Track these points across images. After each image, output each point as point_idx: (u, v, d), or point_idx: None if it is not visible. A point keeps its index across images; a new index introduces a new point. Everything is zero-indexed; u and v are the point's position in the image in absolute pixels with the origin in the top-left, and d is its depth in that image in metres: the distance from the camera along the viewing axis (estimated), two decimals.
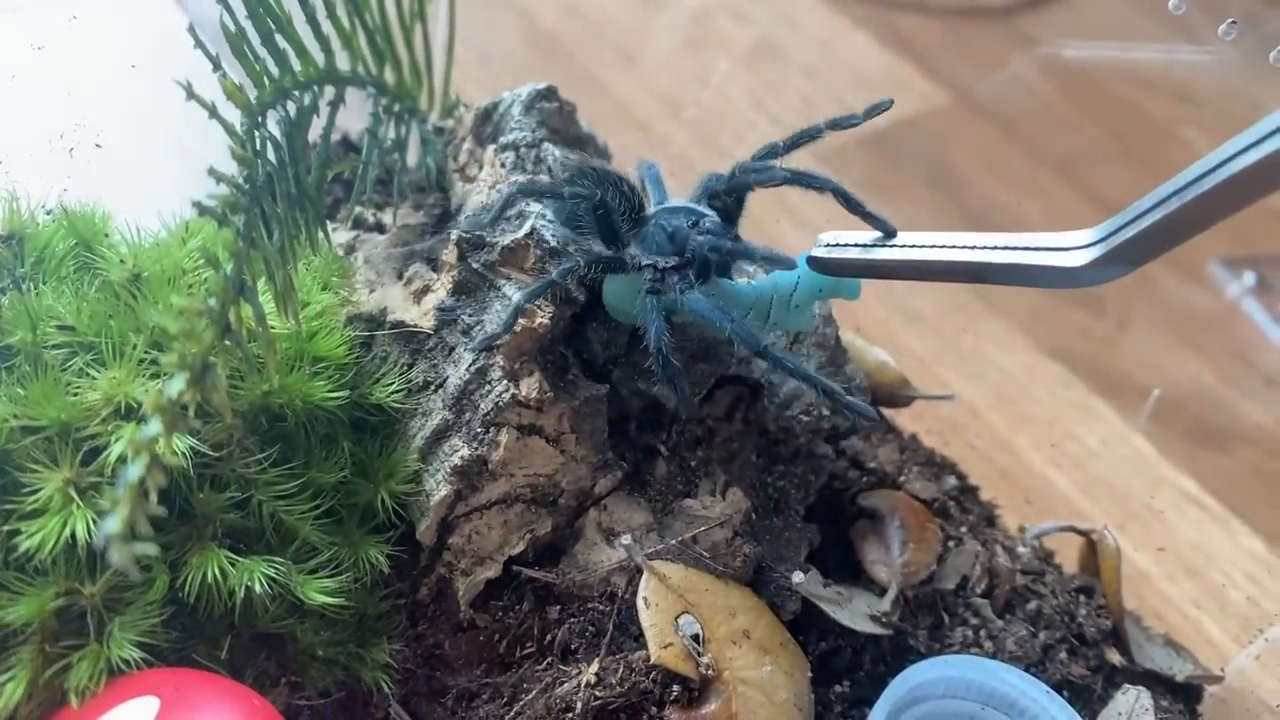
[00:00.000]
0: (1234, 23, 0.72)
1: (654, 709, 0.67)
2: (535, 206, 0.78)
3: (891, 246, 0.67)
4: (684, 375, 0.71)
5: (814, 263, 0.71)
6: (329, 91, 0.78)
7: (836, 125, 0.73)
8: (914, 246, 0.66)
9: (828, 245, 0.70)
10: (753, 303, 0.75)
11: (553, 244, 0.77)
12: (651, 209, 0.79)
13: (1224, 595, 1.00)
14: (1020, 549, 0.92)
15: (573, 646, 0.72)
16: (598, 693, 0.67)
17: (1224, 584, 1.01)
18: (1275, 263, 1.26)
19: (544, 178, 0.82)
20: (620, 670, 0.68)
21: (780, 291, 0.75)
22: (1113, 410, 1.18)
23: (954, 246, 0.64)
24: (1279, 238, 1.27)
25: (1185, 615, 0.99)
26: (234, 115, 0.63)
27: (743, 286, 0.76)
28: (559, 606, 0.74)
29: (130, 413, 0.62)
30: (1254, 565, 1.04)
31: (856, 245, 0.69)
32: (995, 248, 0.62)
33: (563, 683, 0.69)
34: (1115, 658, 0.84)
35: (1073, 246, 0.59)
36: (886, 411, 1.02)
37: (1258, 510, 1.09)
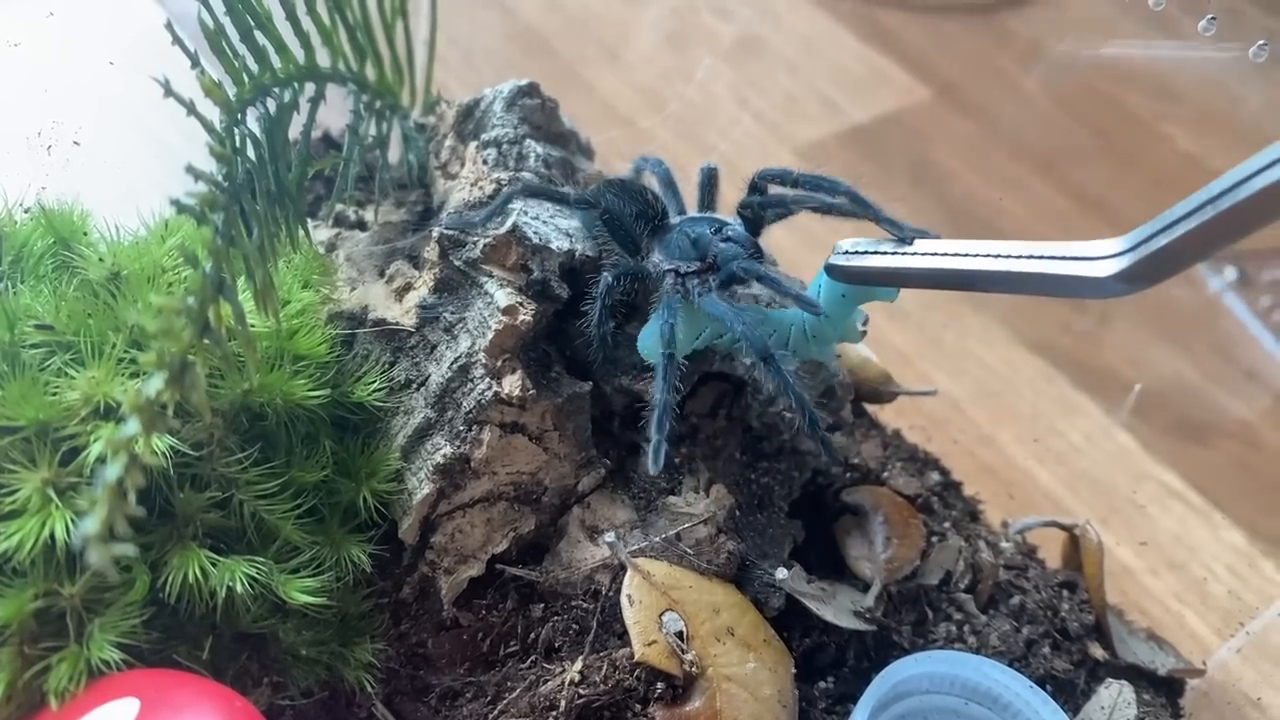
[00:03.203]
0: (1213, 19, 0.72)
1: (638, 706, 0.67)
2: (517, 204, 0.78)
3: (912, 254, 0.65)
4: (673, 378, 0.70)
5: (833, 271, 0.70)
6: (309, 88, 0.77)
7: (857, 201, 0.69)
8: (936, 255, 0.64)
9: (846, 253, 0.69)
10: (777, 325, 0.75)
11: (535, 241, 0.76)
12: (675, 218, 0.80)
13: (1206, 589, 1.00)
14: (1003, 544, 0.92)
15: (556, 644, 0.72)
16: (581, 691, 0.67)
17: (1206, 578, 1.02)
18: (1256, 258, 1.26)
19: (537, 179, 0.82)
20: (604, 668, 0.68)
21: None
22: (1095, 405, 1.18)
23: (978, 255, 0.62)
24: (1260, 233, 1.28)
25: (1167, 609, 0.99)
26: (213, 112, 0.63)
27: (771, 312, 0.76)
28: (542, 604, 0.74)
29: (109, 412, 0.62)
30: (1235, 559, 1.04)
31: (876, 252, 0.67)
32: (1021, 256, 0.60)
33: (546, 681, 0.69)
34: (1098, 652, 0.85)
35: (1100, 256, 0.57)
36: (869, 407, 1.02)
37: (1239, 504, 1.09)
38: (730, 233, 0.75)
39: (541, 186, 0.77)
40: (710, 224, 0.76)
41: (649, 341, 0.72)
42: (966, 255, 0.63)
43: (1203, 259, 0.54)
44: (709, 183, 0.82)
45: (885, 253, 0.67)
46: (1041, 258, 0.59)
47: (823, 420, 0.85)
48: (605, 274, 0.73)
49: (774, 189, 0.75)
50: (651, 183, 0.86)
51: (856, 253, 0.68)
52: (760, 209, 0.75)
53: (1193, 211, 0.51)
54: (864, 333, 0.75)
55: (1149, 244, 0.54)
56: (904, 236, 0.67)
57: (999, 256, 0.61)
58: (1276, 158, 0.48)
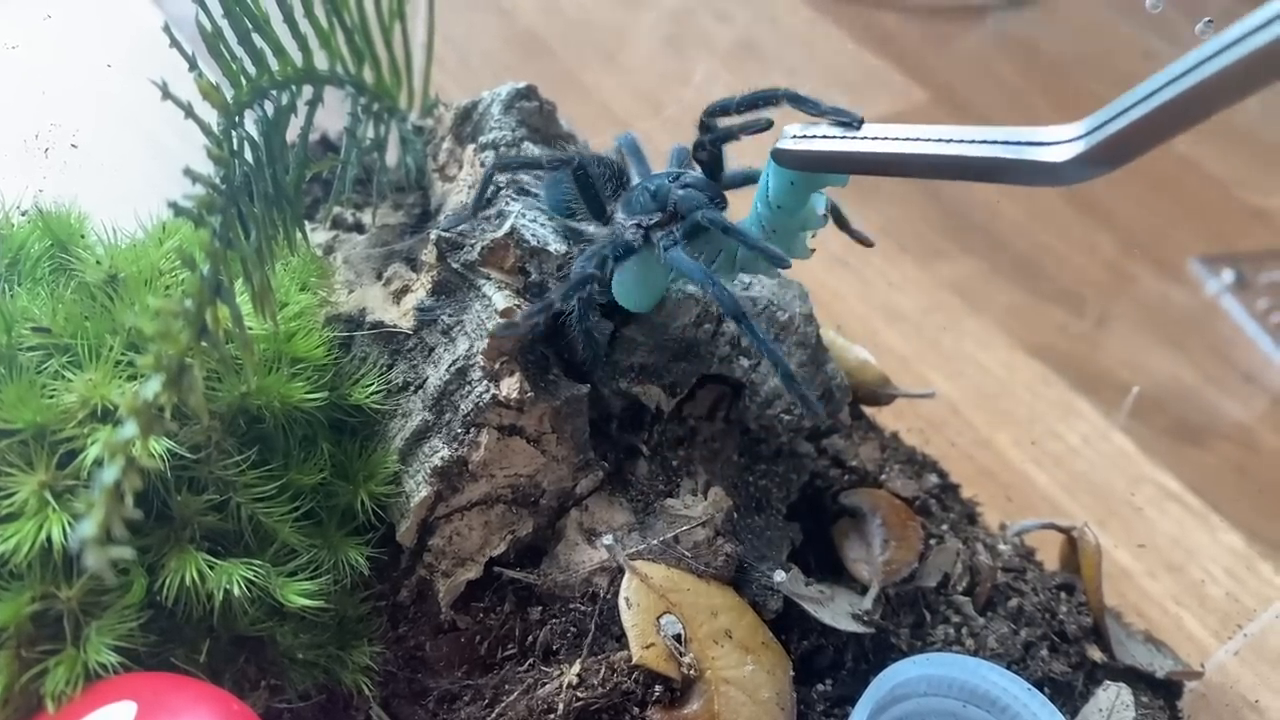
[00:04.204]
0: (1210, 21, 0.72)
1: (636, 709, 0.67)
2: (515, 205, 0.78)
3: (864, 138, 0.63)
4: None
5: (780, 156, 0.67)
6: (307, 91, 0.77)
7: (797, 101, 0.68)
8: (889, 139, 0.62)
9: (794, 137, 0.66)
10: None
11: (533, 244, 0.76)
12: (635, 179, 0.79)
13: (1204, 591, 1.01)
14: (1001, 546, 0.92)
15: (554, 647, 0.72)
16: (579, 694, 0.67)
17: (1204, 580, 1.02)
18: (1254, 261, 1.26)
19: (522, 152, 0.82)
20: (602, 671, 0.68)
21: (760, 200, 0.71)
22: (1093, 407, 1.18)
23: (932, 140, 0.60)
24: (1257, 236, 1.28)
25: (1165, 611, 0.99)
26: (211, 115, 0.63)
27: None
28: (540, 607, 0.74)
29: (107, 415, 0.62)
30: (1233, 561, 1.04)
31: (825, 136, 0.64)
32: (975, 141, 0.58)
33: (544, 684, 0.69)
34: (1096, 654, 0.85)
35: (1057, 141, 0.54)
36: (867, 410, 1.02)
37: (1237, 506, 1.09)
38: (688, 179, 0.74)
39: (515, 158, 0.77)
40: (667, 175, 0.75)
41: (625, 290, 0.72)
42: (916, 140, 0.60)
43: (1161, 142, 0.51)
44: (680, 162, 0.80)
45: (832, 137, 0.64)
46: (995, 142, 0.57)
47: (822, 417, 0.85)
48: (577, 263, 0.72)
49: (723, 121, 0.73)
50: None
51: (803, 137, 0.66)
52: (713, 146, 0.74)
53: (1153, 93, 0.50)
54: (825, 217, 0.72)
55: (1108, 126, 0.52)
56: (851, 122, 0.64)
57: (950, 141, 0.59)
58: (1237, 37, 0.46)
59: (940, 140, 0.59)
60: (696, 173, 0.75)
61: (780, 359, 0.67)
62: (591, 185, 0.75)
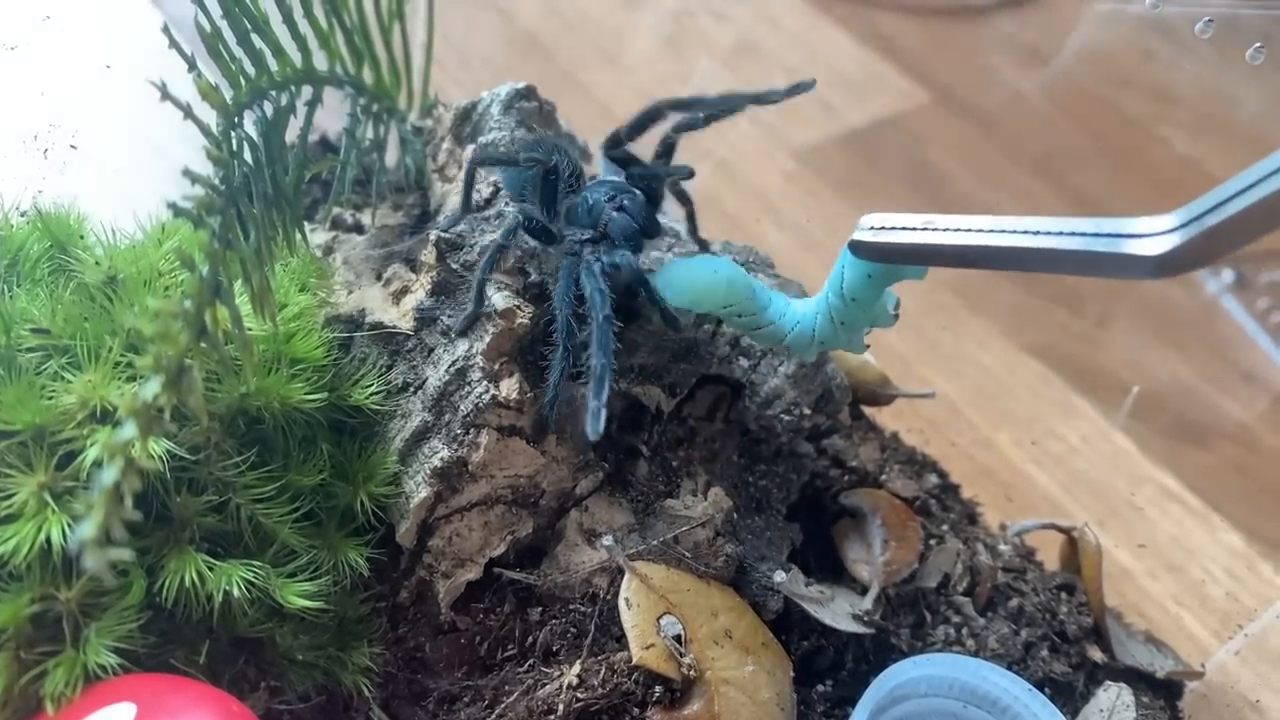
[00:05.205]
0: (1210, 21, 0.72)
1: (636, 710, 0.67)
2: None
3: (943, 230, 0.61)
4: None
5: (857, 248, 0.65)
6: (306, 91, 0.77)
7: (759, 100, 0.70)
8: (972, 231, 0.60)
9: (872, 229, 0.64)
10: (801, 316, 0.72)
11: (532, 244, 0.76)
12: (588, 181, 0.79)
13: (1204, 591, 1.00)
14: (1002, 546, 0.92)
15: (554, 648, 0.72)
16: (579, 694, 0.67)
17: (1204, 580, 1.02)
18: (1254, 261, 1.26)
19: (501, 147, 0.82)
20: (602, 671, 0.68)
21: (833, 291, 0.70)
22: (1093, 407, 1.18)
23: (1013, 231, 0.58)
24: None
25: (1166, 611, 0.99)
26: (210, 116, 0.63)
27: (797, 301, 0.74)
28: (540, 608, 0.74)
29: (106, 416, 0.62)
30: (1234, 561, 1.04)
31: (905, 228, 0.62)
32: (1064, 234, 0.55)
33: (544, 684, 0.69)
34: (1096, 655, 0.85)
35: (1151, 233, 0.52)
36: (867, 410, 1.02)
37: (1237, 506, 1.09)
38: (625, 202, 0.74)
39: (492, 153, 0.77)
40: (608, 189, 0.75)
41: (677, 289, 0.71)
42: (1000, 231, 0.58)
43: (1262, 235, 0.49)
44: (665, 154, 0.79)
45: (913, 229, 0.62)
46: (1085, 234, 0.55)
47: (815, 418, 0.84)
48: (515, 215, 0.72)
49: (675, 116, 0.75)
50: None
51: (882, 229, 0.63)
52: (644, 183, 0.75)
53: (1254, 184, 0.47)
54: (896, 317, 0.71)
55: (1204, 219, 0.49)
56: (778, 99, 0.64)
57: (1035, 233, 0.57)
58: None
59: (1027, 232, 0.57)
60: (635, 196, 0.75)
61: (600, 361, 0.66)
62: (554, 186, 0.75)
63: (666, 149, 0.76)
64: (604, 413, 0.63)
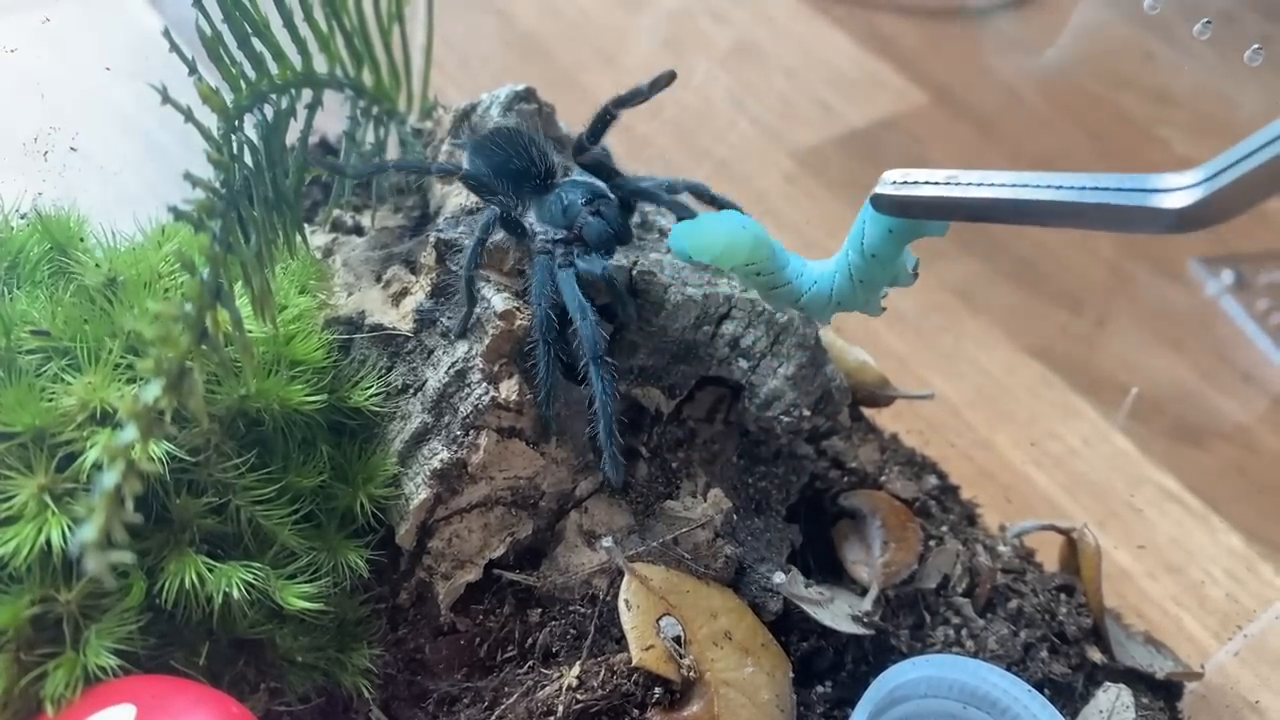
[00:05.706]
0: (1209, 22, 0.72)
1: (636, 711, 0.67)
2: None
3: (965, 184, 0.60)
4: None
5: (879, 202, 0.64)
6: (307, 94, 0.77)
7: (622, 104, 0.73)
8: (991, 185, 0.59)
9: (895, 183, 0.63)
10: (819, 276, 0.71)
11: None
12: (560, 177, 0.80)
13: (1204, 592, 1.01)
14: (1001, 548, 0.92)
15: (554, 649, 0.72)
16: (579, 696, 0.67)
17: (1204, 581, 1.02)
18: (1253, 261, 1.27)
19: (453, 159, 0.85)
20: (602, 673, 0.68)
21: (853, 248, 0.68)
22: (1092, 408, 1.18)
23: (1036, 186, 0.57)
24: (1257, 237, 1.28)
25: (1165, 612, 0.99)
26: (211, 119, 0.63)
27: (814, 261, 0.72)
28: (540, 609, 0.74)
29: (106, 418, 0.62)
30: (1233, 562, 1.04)
31: (929, 182, 0.61)
32: (1086, 188, 0.55)
33: (544, 686, 0.69)
34: (1096, 655, 0.85)
35: (1174, 188, 0.52)
36: (867, 411, 1.02)
37: (1237, 507, 1.09)
38: (601, 207, 0.74)
39: (405, 160, 0.80)
40: (585, 192, 0.76)
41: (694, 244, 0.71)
42: (1023, 185, 0.58)
43: None
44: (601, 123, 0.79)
45: (936, 183, 0.61)
46: (1105, 189, 0.54)
47: (815, 420, 0.85)
48: (536, 278, 0.73)
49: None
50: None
51: (905, 183, 0.63)
52: (629, 194, 0.77)
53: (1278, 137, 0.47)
54: (915, 276, 0.70)
55: (1233, 169, 0.49)
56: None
57: (1058, 188, 0.56)
58: None
59: (1050, 186, 0.57)
60: (612, 204, 0.76)
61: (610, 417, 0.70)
62: (490, 189, 0.76)
63: (604, 123, 0.76)
64: (621, 460, 0.70)
